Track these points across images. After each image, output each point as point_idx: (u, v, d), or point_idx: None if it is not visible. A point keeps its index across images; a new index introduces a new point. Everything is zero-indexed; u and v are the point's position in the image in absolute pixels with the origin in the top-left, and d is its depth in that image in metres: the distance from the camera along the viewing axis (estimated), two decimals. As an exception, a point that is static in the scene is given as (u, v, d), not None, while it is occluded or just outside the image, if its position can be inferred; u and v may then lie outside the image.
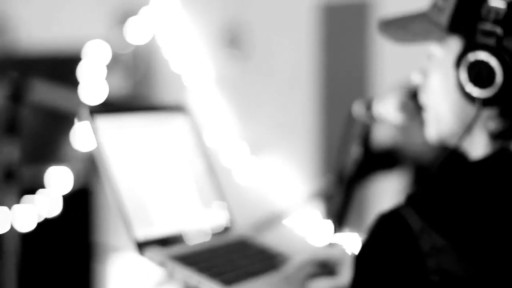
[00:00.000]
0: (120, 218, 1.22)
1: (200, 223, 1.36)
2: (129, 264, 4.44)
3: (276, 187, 4.33)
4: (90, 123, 1.25)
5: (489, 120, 1.17)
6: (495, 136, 1.18)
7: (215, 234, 1.37)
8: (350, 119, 1.49)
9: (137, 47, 4.46)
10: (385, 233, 1.10)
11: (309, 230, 3.85)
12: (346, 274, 1.30)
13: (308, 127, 4.37)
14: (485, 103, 1.14)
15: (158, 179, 1.33)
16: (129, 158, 1.29)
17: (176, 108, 1.43)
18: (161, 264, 1.21)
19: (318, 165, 4.35)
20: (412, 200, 1.12)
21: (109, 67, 4.17)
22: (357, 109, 1.49)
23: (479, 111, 1.15)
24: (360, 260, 1.12)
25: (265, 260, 1.34)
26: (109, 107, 1.33)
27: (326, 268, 1.34)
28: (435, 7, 1.21)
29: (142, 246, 1.23)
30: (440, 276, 1.06)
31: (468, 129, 1.16)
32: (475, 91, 1.14)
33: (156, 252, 1.22)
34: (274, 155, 4.38)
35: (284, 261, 1.36)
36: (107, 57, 4.17)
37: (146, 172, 1.31)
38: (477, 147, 1.20)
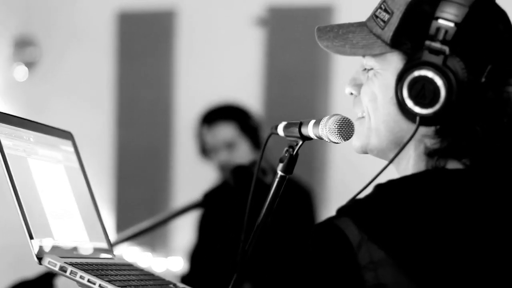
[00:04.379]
0: (22, 223, 1.26)
1: (89, 243, 1.42)
2: None
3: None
4: None
5: (424, 137, 1.17)
6: (430, 154, 1.17)
7: (102, 257, 1.43)
8: (266, 141, 1.40)
9: None
10: (322, 245, 1.11)
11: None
12: None
13: (103, 138, 4.18)
14: (424, 121, 1.14)
15: (52, 197, 1.37)
16: (25, 171, 1.33)
17: (63, 133, 1.48)
18: (61, 268, 1.26)
19: (114, 179, 4.14)
20: (349, 211, 1.11)
21: None
22: (283, 130, 1.37)
23: (417, 128, 1.15)
24: (296, 273, 1.05)
25: (158, 283, 1.41)
26: (7, 117, 1.37)
27: None
28: (376, 18, 1.20)
29: (40, 254, 1.27)
30: None
31: (405, 145, 1.16)
32: (416, 108, 1.14)
33: (55, 258, 1.27)
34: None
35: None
36: None
37: (40, 188, 1.35)
38: (407, 163, 1.20)
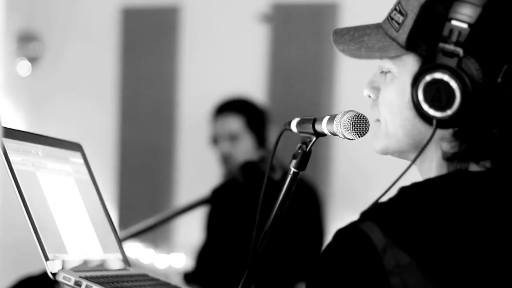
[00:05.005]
0: (34, 239, 1.26)
1: (103, 255, 1.42)
2: None
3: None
4: (2, 146, 1.29)
5: (442, 141, 1.16)
6: (448, 157, 1.16)
7: (116, 269, 1.42)
8: (279, 137, 1.38)
9: None
10: (347, 250, 1.09)
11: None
12: None
13: (106, 134, 4.16)
14: (441, 124, 1.13)
15: (63, 210, 1.36)
16: (34, 186, 1.32)
17: (72, 145, 1.46)
18: (76, 283, 1.26)
19: (117, 175, 4.13)
20: (373, 215, 1.11)
21: None
22: (297, 126, 1.36)
23: (434, 131, 1.14)
24: (320, 279, 1.10)
25: None
26: (15, 132, 1.35)
27: None
28: (391, 20, 1.19)
29: (54, 269, 1.27)
30: None
31: (422, 149, 1.15)
32: (432, 112, 1.13)
33: (70, 273, 1.26)
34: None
35: None
36: None
37: (51, 202, 1.34)
38: (430, 166, 1.19)
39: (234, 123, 3.16)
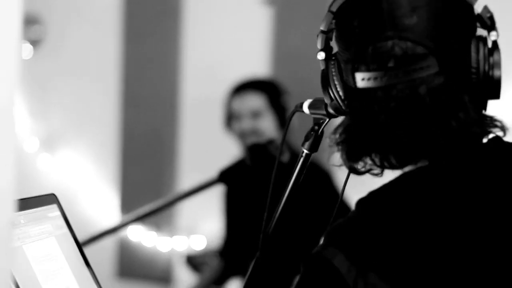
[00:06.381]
0: None
1: None
2: None
3: (75, 185, 4.11)
4: None
5: None
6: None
7: None
8: (291, 118, 1.38)
9: None
10: (314, 279, 1.10)
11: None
12: None
13: (108, 117, 4.15)
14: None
15: (50, 277, 1.35)
16: (23, 262, 1.33)
17: (47, 199, 1.44)
18: None
19: (120, 159, 4.13)
20: (334, 239, 1.11)
21: None
22: (309, 108, 1.34)
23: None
24: None
25: None
26: None
27: None
28: None
29: None
30: None
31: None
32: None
33: None
34: (71, 151, 4.13)
35: None
36: None
37: (38, 273, 1.33)
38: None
39: (256, 101, 3.09)
